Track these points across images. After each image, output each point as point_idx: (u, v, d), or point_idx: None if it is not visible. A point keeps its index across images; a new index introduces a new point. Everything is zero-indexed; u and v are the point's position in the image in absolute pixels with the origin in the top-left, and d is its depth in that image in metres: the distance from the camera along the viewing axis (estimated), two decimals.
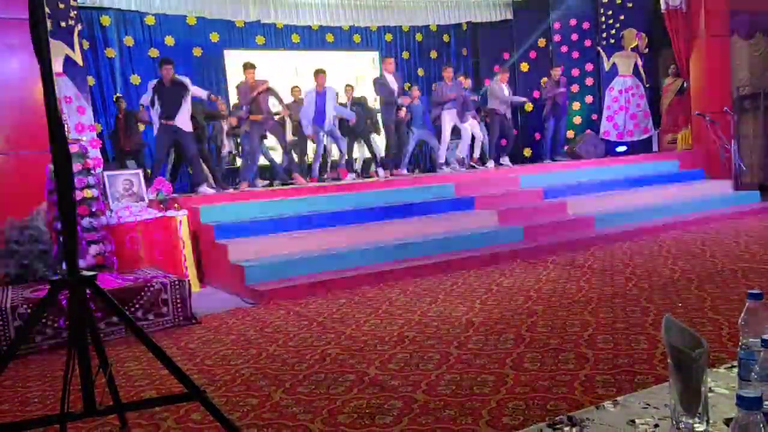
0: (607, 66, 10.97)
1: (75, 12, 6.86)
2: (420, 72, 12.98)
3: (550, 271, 5.64)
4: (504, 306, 4.51)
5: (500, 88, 10.00)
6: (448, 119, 9.50)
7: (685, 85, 10.30)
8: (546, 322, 3.97)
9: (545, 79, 11.06)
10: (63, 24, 6.61)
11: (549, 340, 3.60)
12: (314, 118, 8.66)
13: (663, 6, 9.95)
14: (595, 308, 4.21)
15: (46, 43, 2.06)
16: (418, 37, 13.03)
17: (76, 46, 6.84)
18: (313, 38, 11.97)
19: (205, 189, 7.55)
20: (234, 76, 11.27)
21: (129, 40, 10.17)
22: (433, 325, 4.15)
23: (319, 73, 8.71)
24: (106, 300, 2.08)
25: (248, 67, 8.26)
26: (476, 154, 10.11)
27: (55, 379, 3.68)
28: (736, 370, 1.39)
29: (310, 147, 9.72)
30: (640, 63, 10.80)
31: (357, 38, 12.45)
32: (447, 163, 9.67)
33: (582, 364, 3.14)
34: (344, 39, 12.33)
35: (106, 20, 9.93)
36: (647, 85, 10.91)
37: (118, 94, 9.84)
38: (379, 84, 9.05)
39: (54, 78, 2.11)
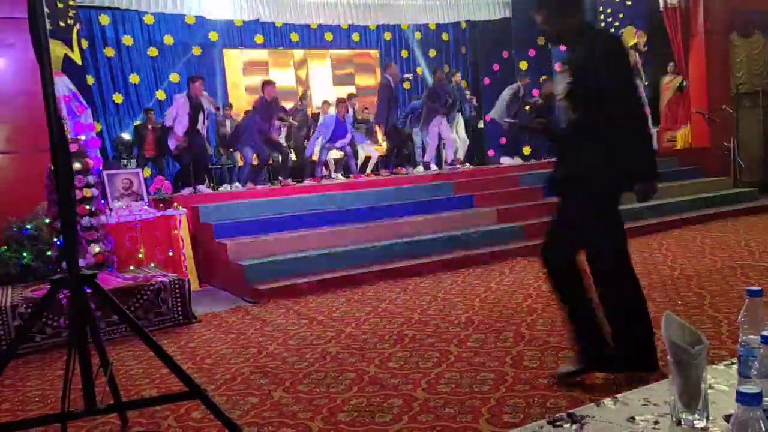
0: None
1: (74, 11, 6.84)
2: (419, 71, 12.98)
3: None
4: (504, 304, 4.51)
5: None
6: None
7: (684, 82, 10.30)
8: (546, 320, 3.97)
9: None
10: (62, 23, 6.59)
11: (549, 337, 3.60)
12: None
13: (662, 4, 9.95)
14: (595, 306, 4.20)
15: (45, 43, 2.06)
16: (417, 35, 13.03)
17: (75, 46, 6.82)
18: (312, 37, 11.97)
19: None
20: (232, 75, 11.30)
21: (128, 40, 10.16)
22: (432, 324, 4.15)
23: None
24: (105, 298, 2.09)
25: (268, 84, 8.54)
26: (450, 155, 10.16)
27: (55, 378, 3.69)
28: (735, 366, 1.40)
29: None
30: (639, 61, 10.79)
31: (356, 37, 12.44)
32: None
33: None
34: (343, 38, 12.33)
35: (105, 19, 9.92)
36: (646, 83, 10.90)
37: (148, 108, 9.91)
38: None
39: (53, 77, 2.11)
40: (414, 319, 4.33)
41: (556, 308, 4.20)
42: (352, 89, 11.57)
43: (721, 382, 1.50)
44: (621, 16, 10.74)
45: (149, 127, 9.34)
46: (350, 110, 9.67)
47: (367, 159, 9.73)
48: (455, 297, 4.89)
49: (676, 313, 3.68)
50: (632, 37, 10.72)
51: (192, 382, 2.33)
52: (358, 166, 9.57)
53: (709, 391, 1.34)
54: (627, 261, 2.90)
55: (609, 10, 10.82)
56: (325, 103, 10.39)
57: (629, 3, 10.68)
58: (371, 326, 4.24)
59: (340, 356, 3.62)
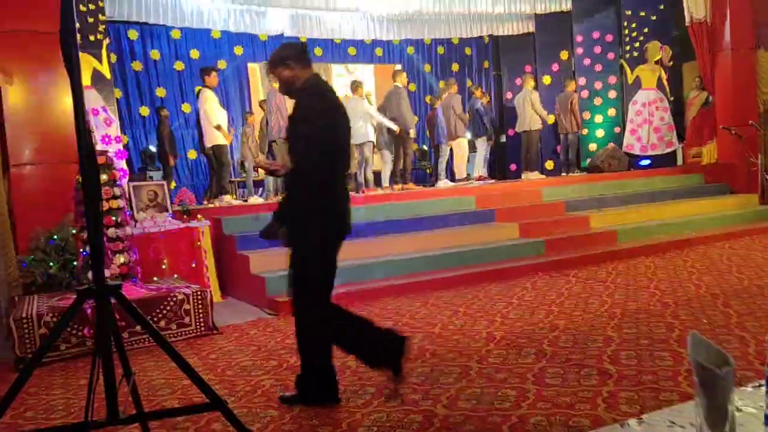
0: (630, 79, 10.89)
1: (104, 26, 7.01)
2: (441, 85, 13.01)
3: (573, 286, 5.58)
4: (525, 320, 4.47)
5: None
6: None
7: (710, 98, 10.18)
8: (568, 337, 3.92)
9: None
10: (92, 38, 6.75)
11: (571, 355, 3.55)
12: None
13: (687, 19, 9.86)
14: (619, 323, 4.15)
15: (76, 58, 2.11)
16: (440, 50, 13.08)
17: (104, 60, 6.98)
18: (335, 51, 12.09)
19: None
20: (256, 88, 11.43)
21: (155, 54, 10.36)
22: (453, 339, 4.12)
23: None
24: (130, 310, 2.11)
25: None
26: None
27: (78, 387, 3.73)
28: (764, 388, 1.37)
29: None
30: (664, 76, 10.71)
31: (379, 51, 12.54)
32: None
33: (605, 380, 3.10)
34: (366, 52, 12.43)
35: (133, 34, 10.13)
36: (671, 98, 10.81)
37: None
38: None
39: (83, 91, 2.16)
40: (435, 334, 4.31)
41: (579, 325, 4.17)
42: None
43: (749, 404, 1.47)
44: (646, 30, 10.68)
45: (167, 129, 9.53)
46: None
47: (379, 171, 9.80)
48: (476, 312, 4.86)
49: (702, 331, 3.62)
50: (657, 52, 10.65)
51: (213, 394, 2.34)
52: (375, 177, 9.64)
53: (736, 413, 1.31)
54: (319, 313, 3.13)
55: (634, 25, 10.77)
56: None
57: (654, 18, 10.62)
58: None
59: (359, 370, 3.61)
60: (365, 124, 8.86)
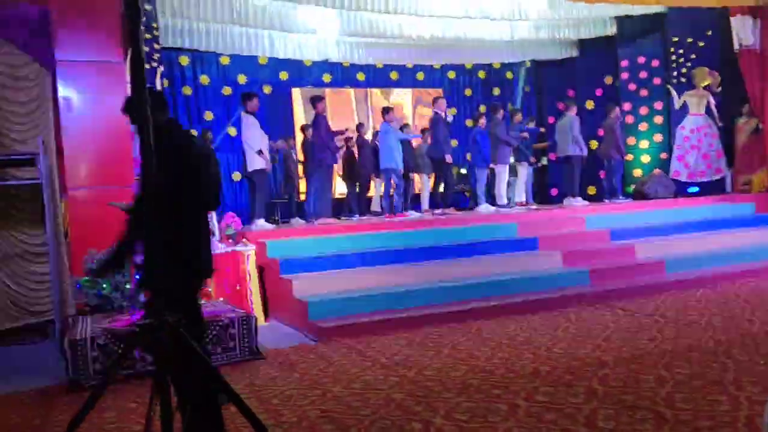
0: (677, 104, 10.70)
1: (158, 54, 7.25)
2: (482, 109, 12.96)
3: (619, 318, 5.47)
4: (572, 355, 4.39)
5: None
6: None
7: (760, 125, 9.93)
8: (618, 375, 3.83)
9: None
10: (147, 66, 6.98)
11: (623, 395, 3.47)
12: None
13: (736, 45, 9.68)
14: (670, 362, 4.04)
15: (143, 84, 2.18)
16: (481, 74, 13.08)
17: (158, 86, 7.21)
18: (377, 76, 12.20)
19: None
20: (299, 111, 11.62)
21: (204, 79, 10.62)
22: (498, 373, 4.07)
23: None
24: (188, 348, 2.15)
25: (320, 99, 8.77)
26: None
27: (129, 410, 3.81)
28: None
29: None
30: (712, 102, 10.50)
31: (420, 76, 12.61)
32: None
33: (661, 424, 3.00)
34: (408, 76, 12.52)
35: (184, 60, 10.42)
36: (720, 125, 10.57)
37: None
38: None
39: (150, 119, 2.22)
40: (479, 366, 4.26)
41: (629, 362, 4.07)
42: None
43: None
44: (693, 56, 10.51)
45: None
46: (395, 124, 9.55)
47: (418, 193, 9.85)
48: (520, 344, 4.80)
49: (759, 372, 3.48)
50: (705, 78, 10.46)
51: (262, 427, 2.36)
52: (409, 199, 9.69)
53: None
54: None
55: (681, 51, 10.60)
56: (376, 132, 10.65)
57: (702, 44, 10.44)
58: (435, 372, 4.20)
59: (405, 404, 3.59)
60: (392, 151, 8.97)
